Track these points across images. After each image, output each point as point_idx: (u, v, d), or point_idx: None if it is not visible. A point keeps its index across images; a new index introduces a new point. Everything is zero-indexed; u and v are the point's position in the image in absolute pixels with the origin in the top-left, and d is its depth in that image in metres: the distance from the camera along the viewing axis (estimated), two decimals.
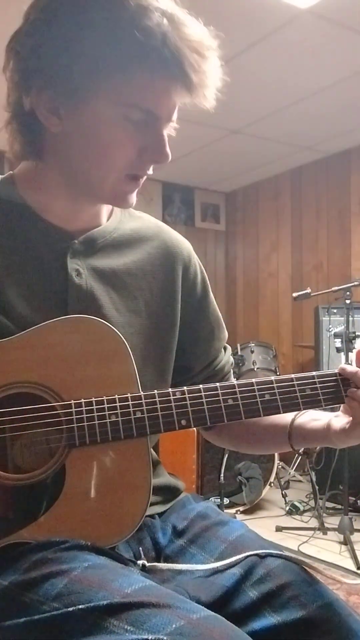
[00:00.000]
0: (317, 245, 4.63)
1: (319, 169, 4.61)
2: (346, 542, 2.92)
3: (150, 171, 0.85)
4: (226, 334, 1.06)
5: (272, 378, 0.84)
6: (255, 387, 0.83)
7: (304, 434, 0.91)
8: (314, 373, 0.86)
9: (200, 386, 0.82)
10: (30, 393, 0.78)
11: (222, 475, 3.20)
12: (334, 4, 2.59)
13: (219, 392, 0.82)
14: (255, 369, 3.82)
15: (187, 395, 0.81)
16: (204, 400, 0.81)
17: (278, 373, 3.87)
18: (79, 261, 0.87)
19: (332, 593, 0.79)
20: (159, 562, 0.85)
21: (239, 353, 3.94)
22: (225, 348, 1.06)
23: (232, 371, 1.07)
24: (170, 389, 0.82)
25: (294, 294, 3.14)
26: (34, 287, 0.84)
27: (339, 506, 3.34)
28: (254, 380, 0.84)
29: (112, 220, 0.95)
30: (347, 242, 4.39)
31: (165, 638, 0.59)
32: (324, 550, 2.91)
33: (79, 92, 0.77)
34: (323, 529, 3.14)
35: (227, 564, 0.81)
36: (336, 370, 0.86)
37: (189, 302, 0.98)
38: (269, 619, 0.74)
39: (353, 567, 2.67)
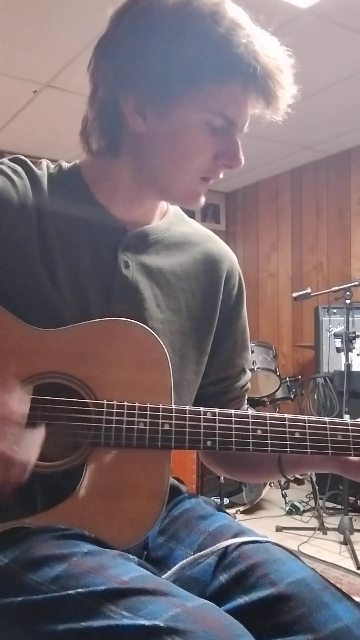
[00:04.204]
0: (317, 245, 4.63)
1: (319, 169, 4.61)
2: (346, 542, 2.92)
3: (221, 175, 0.89)
4: (250, 357, 1.06)
5: (305, 417, 0.82)
6: (287, 423, 0.81)
7: (298, 457, 0.89)
8: (348, 420, 0.83)
9: (232, 411, 0.81)
10: (66, 385, 0.79)
11: None
12: (334, 4, 2.59)
13: (250, 420, 0.81)
14: (255, 369, 3.82)
15: (217, 418, 0.80)
16: (233, 425, 0.80)
17: (278, 373, 3.87)
18: (129, 254, 0.90)
19: (309, 569, 0.78)
20: (147, 558, 0.86)
21: None
22: (245, 371, 1.05)
23: (245, 396, 1.06)
24: (202, 408, 0.81)
25: (294, 294, 3.15)
26: (83, 271, 0.86)
27: (339, 506, 3.35)
28: (286, 415, 0.82)
29: (164, 220, 0.98)
30: (347, 242, 4.39)
31: (161, 624, 0.60)
32: (324, 550, 2.91)
33: (169, 98, 0.81)
34: (323, 529, 3.15)
35: (203, 554, 0.81)
36: None
37: (222, 311, 0.99)
38: (237, 600, 0.75)
39: (353, 567, 2.67)
